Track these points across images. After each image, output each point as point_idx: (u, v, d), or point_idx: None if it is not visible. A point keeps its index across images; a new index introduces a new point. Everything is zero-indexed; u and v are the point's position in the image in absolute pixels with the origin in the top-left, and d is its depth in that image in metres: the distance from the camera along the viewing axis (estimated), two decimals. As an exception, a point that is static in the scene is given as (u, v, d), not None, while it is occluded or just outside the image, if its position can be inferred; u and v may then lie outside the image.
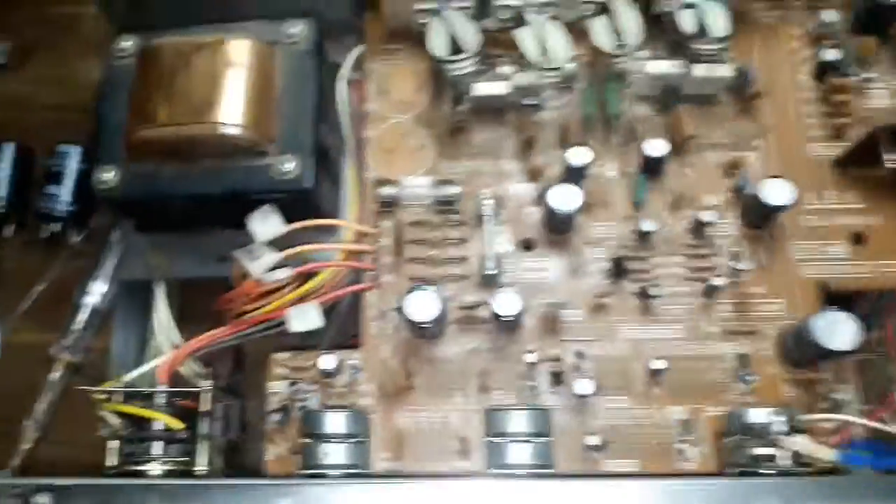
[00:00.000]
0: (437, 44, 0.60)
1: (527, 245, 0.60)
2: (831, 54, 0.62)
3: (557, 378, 0.56)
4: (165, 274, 0.63)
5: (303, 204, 0.57)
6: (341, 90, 0.65)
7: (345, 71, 0.65)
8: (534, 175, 0.62)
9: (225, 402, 0.59)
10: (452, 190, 0.61)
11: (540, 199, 0.60)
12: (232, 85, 0.51)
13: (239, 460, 0.60)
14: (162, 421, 0.52)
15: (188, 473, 0.50)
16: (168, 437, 0.51)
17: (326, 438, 0.51)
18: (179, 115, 0.51)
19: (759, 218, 0.59)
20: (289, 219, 0.55)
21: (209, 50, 0.52)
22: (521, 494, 0.45)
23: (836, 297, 0.57)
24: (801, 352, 0.53)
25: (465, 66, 0.60)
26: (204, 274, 0.59)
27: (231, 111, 0.51)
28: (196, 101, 0.51)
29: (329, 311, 0.60)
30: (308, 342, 0.60)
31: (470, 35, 0.60)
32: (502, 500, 0.45)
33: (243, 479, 0.45)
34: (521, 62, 0.60)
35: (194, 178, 0.53)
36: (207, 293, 0.58)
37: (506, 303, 0.54)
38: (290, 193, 0.54)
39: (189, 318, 0.64)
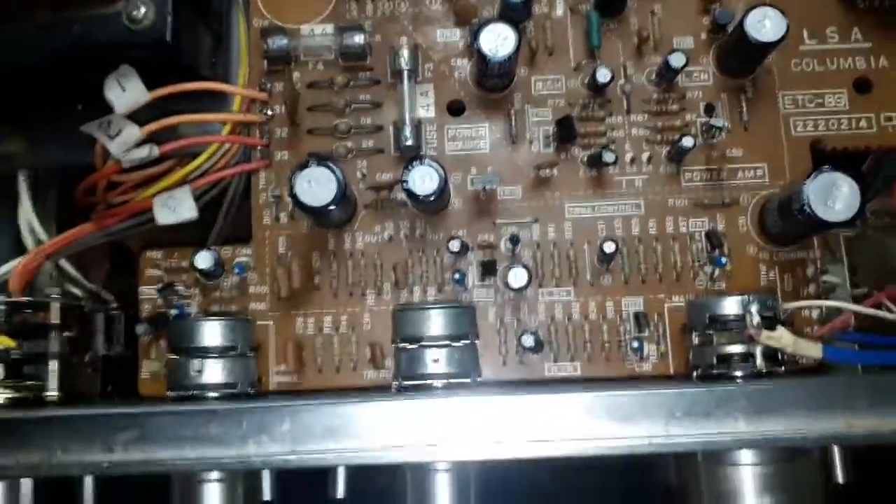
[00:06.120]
0: None
1: (455, 108, 0.49)
2: None
3: (488, 268, 0.46)
4: (25, 163, 0.52)
5: (168, 63, 0.45)
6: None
7: None
8: (464, 16, 0.49)
9: (105, 313, 0.49)
10: (360, 38, 0.48)
11: (472, 48, 0.48)
12: None
13: (124, 380, 0.50)
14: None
15: (35, 402, 0.41)
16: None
17: (197, 352, 0.41)
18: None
19: (741, 61, 0.47)
20: (155, 83, 0.44)
21: None
22: (434, 412, 0.36)
23: (831, 161, 0.46)
24: (789, 225, 0.43)
25: None
26: (73, 162, 0.50)
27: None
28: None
29: (218, 198, 0.49)
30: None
31: None
32: (411, 421, 0.36)
33: (77, 409, 0.35)
34: None
35: (28, 30, 0.42)
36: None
37: (423, 178, 0.43)
38: (147, 48, 0.44)
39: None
